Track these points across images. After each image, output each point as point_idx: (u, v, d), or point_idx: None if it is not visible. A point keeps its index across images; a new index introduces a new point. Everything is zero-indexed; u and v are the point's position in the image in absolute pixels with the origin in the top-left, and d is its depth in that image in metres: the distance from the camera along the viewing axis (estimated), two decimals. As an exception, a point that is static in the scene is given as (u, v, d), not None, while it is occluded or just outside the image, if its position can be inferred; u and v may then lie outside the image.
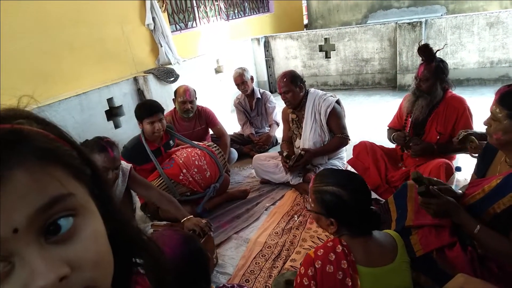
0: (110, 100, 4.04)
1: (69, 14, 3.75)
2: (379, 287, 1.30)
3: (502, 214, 1.48)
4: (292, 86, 2.99)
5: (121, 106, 4.17)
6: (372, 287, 1.28)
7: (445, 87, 2.64)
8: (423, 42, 5.39)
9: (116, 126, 4.12)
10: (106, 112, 3.99)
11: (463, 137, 2.32)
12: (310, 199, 1.48)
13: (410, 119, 2.76)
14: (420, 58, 2.61)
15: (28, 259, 0.36)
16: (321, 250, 1.33)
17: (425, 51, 2.55)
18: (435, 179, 1.70)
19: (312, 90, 3.14)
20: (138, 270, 0.54)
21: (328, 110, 2.99)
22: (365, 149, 2.85)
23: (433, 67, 2.54)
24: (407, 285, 1.37)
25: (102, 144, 2.08)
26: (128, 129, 4.18)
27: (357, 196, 1.37)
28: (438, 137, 2.67)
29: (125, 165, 2.37)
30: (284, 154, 3.13)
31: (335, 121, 3.03)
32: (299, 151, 3.08)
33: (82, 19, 3.90)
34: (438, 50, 2.60)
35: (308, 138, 3.06)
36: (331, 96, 3.08)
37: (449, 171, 2.50)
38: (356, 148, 2.92)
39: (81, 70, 3.93)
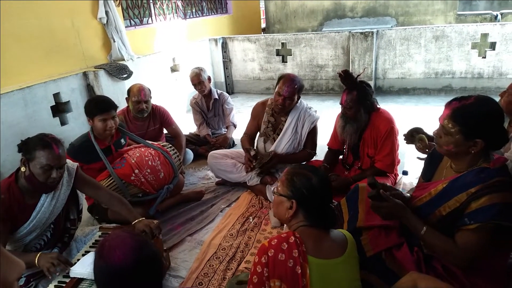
0: (56, 95, 3.81)
1: (15, 3, 3.50)
2: (327, 278, 1.36)
3: (447, 216, 1.57)
4: (296, 96, 2.92)
5: (68, 102, 3.95)
6: (320, 276, 1.34)
7: (370, 110, 2.61)
8: (374, 52, 5.69)
9: (63, 123, 3.90)
10: (52, 108, 3.76)
11: (411, 131, 2.39)
12: (279, 183, 1.53)
13: (346, 144, 2.82)
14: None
15: None
16: (275, 240, 1.38)
17: (346, 78, 2.52)
18: (388, 184, 1.79)
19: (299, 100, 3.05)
20: None
21: (311, 126, 3.01)
22: None
23: (355, 95, 2.51)
24: (354, 278, 1.44)
25: (47, 140, 1.95)
26: (76, 127, 3.97)
27: (322, 183, 1.45)
28: (371, 161, 2.71)
29: (71, 164, 2.23)
30: (252, 153, 3.07)
31: (312, 137, 3.06)
32: (267, 152, 3.06)
33: (29, 8, 3.66)
34: (358, 75, 2.58)
35: (282, 147, 3.03)
36: (315, 111, 3.08)
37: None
38: None
39: (26, 63, 3.68)
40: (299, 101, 3.02)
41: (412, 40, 5.62)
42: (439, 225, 1.59)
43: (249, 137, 3.27)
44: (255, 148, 3.21)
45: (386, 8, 8.51)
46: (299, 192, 1.44)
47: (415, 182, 2.82)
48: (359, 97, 2.52)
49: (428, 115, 4.68)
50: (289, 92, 2.85)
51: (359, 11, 8.75)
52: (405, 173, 3.25)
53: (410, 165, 3.30)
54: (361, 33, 5.72)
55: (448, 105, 1.60)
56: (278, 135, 3.07)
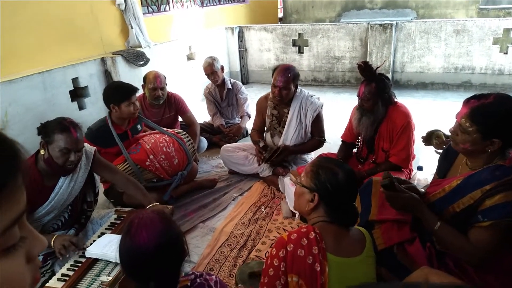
0: (75, 80, 3.87)
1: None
2: (345, 276, 1.34)
3: (461, 213, 1.56)
4: (292, 85, 2.90)
5: (86, 87, 4.01)
6: (339, 275, 1.32)
7: (387, 103, 2.57)
8: (392, 44, 5.59)
9: (81, 107, 3.97)
10: (71, 92, 3.83)
11: (430, 133, 2.39)
12: (303, 173, 1.49)
13: (361, 137, 2.79)
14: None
15: None
16: (295, 234, 1.35)
17: (365, 69, 2.47)
18: (403, 178, 1.78)
19: (298, 89, 3.05)
20: None
21: (314, 114, 2.99)
22: None
23: (373, 87, 2.46)
24: (371, 277, 1.42)
25: (65, 124, 1.99)
26: (94, 112, 4.03)
27: (349, 181, 1.40)
28: (385, 155, 2.68)
29: (89, 148, 2.28)
30: (261, 144, 3.09)
31: (317, 125, 3.05)
32: (276, 146, 3.06)
33: (50, -7, 3.71)
34: (378, 67, 2.54)
35: (289, 139, 3.04)
36: (318, 98, 3.07)
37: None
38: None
39: (46, 47, 3.74)
40: (299, 90, 3.01)
41: (432, 34, 5.51)
42: (452, 222, 1.58)
43: (257, 131, 3.29)
44: (265, 140, 3.22)
45: (406, 0, 8.34)
46: (323, 186, 1.39)
47: (430, 178, 2.79)
48: (378, 89, 2.47)
49: (446, 110, 4.60)
50: (283, 81, 2.84)
51: (378, 2, 8.60)
52: (420, 168, 3.22)
53: (425, 160, 3.27)
54: (380, 25, 5.62)
55: (466, 103, 1.57)
56: (284, 127, 3.06)
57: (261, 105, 3.24)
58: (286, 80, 2.85)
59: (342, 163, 1.49)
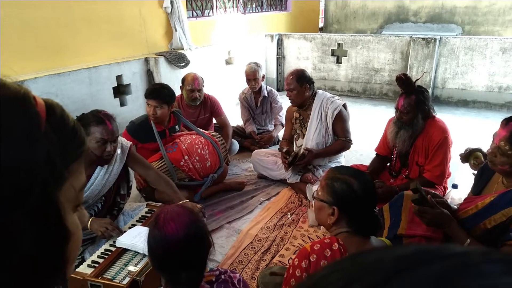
0: (119, 78, 4.05)
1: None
2: None
3: (492, 230, 1.52)
4: (298, 85, 3.00)
5: (129, 84, 4.18)
6: None
7: (426, 116, 2.51)
8: (435, 59, 5.45)
9: (122, 104, 4.14)
10: (114, 89, 4.01)
11: (469, 151, 2.32)
12: (318, 188, 1.48)
13: (395, 150, 2.72)
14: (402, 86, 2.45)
15: None
16: (318, 245, 1.34)
17: (404, 82, 2.42)
18: (432, 191, 1.74)
19: (320, 91, 3.15)
20: None
21: (335, 113, 3.01)
22: None
23: (413, 100, 2.41)
24: None
25: (100, 116, 2.09)
26: (133, 109, 4.19)
27: (366, 190, 1.38)
28: (419, 169, 2.61)
29: (125, 142, 2.38)
30: (284, 150, 3.15)
31: (340, 124, 3.05)
32: (301, 150, 3.09)
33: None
34: (417, 80, 2.49)
35: (311, 138, 3.07)
36: (339, 99, 3.10)
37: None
38: None
39: (94, 45, 3.94)
40: (321, 92, 3.11)
41: (477, 51, 5.32)
42: (483, 238, 1.54)
43: (287, 141, 3.35)
44: (294, 149, 3.24)
45: (452, 15, 8.09)
46: (340, 198, 1.37)
47: (464, 197, 2.70)
48: (418, 101, 2.42)
49: (487, 130, 4.41)
50: (288, 83, 3.02)
51: (423, 16, 8.40)
52: (454, 186, 3.11)
53: (461, 179, 3.16)
54: (423, 38, 5.50)
55: (505, 125, 1.54)
56: (307, 129, 3.11)
57: (290, 112, 3.32)
58: (290, 82, 3.02)
59: (356, 171, 1.47)
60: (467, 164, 2.37)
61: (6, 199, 0.36)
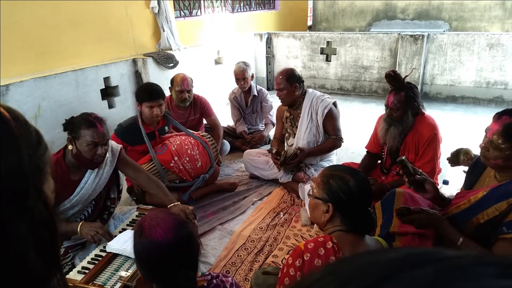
0: (106, 79, 4.00)
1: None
2: None
3: (485, 224, 1.52)
4: (287, 84, 2.99)
5: (117, 86, 4.13)
6: None
7: (416, 112, 2.52)
8: (423, 56, 5.49)
9: (110, 106, 4.08)
10: (102, 91, 3.95)
11: (456, 151, 2.34)
12: (313, 185, 1.47)
13: (386, 147, 2.73)
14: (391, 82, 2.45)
15: None
16: (312, 244, 1.33)
17: (394, 79, 2.43)
18: (420, 170, 1.77)
19: (310, 90, 3.14)
20: None
21: (325, 111, 3.01)
22: None
23: (402, 96, 2.42)
24: None
25: (90, 119, 2.06)
26: (122, 111, 4.14)
27: (361, 187, 1.38)
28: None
29: (115, 145, 2.34)
30: (274, 151, 3.14)
31: (331, 123, 3.05)
32: (292, 148, 3.08)
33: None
34: (406, 76, 2.50)
35: (302, 137, 3.07)
36: (329, 97, 3.10)
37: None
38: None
39: (80, 46, 3.88)
40: (311, 91, 3.11)
41: (465, 47, 5.37)
42: (475, 233, 1.54)
43: (278, 141, 3.34)
44: (285, 149, 3.23)
45: (439, 12, 8.16)
46: (335, 195, 1.37)
47: (455, 193, 2.71)
48: (407, 97, 2.43)
49: (475, 125, 4.47)
50: (278, 83, 3.02)
51: (410, 13, 8.46)
52: (445, 182, 3.13)
53: (451, 175, 3.18)
54: (411, 35, 5.54)
55: (497, 119, 1.54)
56: (297, 128, 3.11)
57: (280, 111, 3.31)
58: (279, 81, 3.01)
59: (351, 169, 1.47)
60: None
61: (10, 203, 0.40)
